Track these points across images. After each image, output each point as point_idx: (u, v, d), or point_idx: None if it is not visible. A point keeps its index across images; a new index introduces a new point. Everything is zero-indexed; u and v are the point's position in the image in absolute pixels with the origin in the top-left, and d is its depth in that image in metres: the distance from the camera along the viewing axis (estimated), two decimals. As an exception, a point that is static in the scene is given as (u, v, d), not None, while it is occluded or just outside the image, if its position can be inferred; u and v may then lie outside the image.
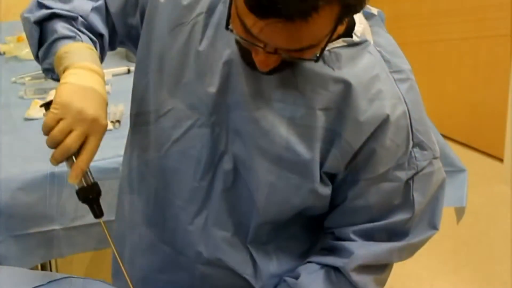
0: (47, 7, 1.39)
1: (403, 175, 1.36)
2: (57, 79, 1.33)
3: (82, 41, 1.35)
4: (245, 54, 1.26)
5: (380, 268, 1.47)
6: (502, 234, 3.11)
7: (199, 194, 1.41)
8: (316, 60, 1.21)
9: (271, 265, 1.47)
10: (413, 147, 1.35)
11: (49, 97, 2.26)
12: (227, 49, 1.33)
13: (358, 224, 1.41)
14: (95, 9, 1.42)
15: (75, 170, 1.23)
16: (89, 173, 1.26)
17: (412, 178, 1.37)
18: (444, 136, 2.16)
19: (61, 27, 1.36)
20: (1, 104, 2.26)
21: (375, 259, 1.43)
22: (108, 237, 1.31)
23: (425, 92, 4.08)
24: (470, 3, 3.47)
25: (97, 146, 1.24)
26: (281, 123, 1.32)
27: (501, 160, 3.52)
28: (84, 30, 1.38)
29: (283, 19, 1.10)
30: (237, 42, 1.26)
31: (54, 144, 1.22)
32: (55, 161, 1.23)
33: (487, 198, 3.33)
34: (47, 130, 1.22)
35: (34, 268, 1.98)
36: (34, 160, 1.94)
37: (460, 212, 2.13)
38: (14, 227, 1.89)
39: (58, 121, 1.21)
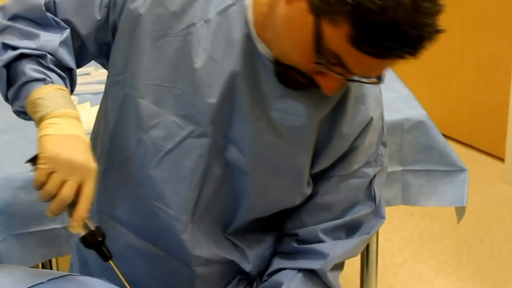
0: (13, 48, 1.33)
1: (370, 171, 1.45)
2: (30, 120, 1.32)
3: (52, 82, 1.30)
4: (284, 73, 1.29)
5: (343, 263, 1.53)
6: (503, 233, 3.11)
7: (191, 202, 1.42)
8: (379, 82, 1.26)
9: (255, 247, 1.53)
10: (380, 145, 1.45)
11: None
12: (229, 61, 1.33)
13: (325, 222, 1.47)
14: (62, 43, 1.35)
15: (76, 220, 1.22)
16: (89, 218, 1.25)
17: (376, 174, 1.46)
18: (446, 136, 2.16)
19: (29, 69, 1.31)
20: (2, 103, 2.26)
21: (346, 256, 1.50)
22: (121, 276, 1.32)
23: (427, 92, 4.06)
24: (471, 2, 3.47)
25: (92, 191, 1.23)
26: (281, 132, 1.37)
27: (502, 160, 3.51)
28: (54, 68, 1.33)
29: (400, 59, 1.16)
30: (277, 63, 1.29)
31: (49, 198, 1.21)
32: (53, 214, 1.22)
33: (488, 198, 3.32)
34: (39, 186, 1.21)
35: (35, 267, 1.98)
36: (35, 159, 1.94)
37: (460, 211, 2.13)
38: (15, 226, 1.89)
39: (49, 175, 1.20)
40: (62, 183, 1.20)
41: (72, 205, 1.22)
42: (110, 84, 1.43)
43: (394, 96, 2.16)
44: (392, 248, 3.00)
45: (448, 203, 2.12)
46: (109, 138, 1.45)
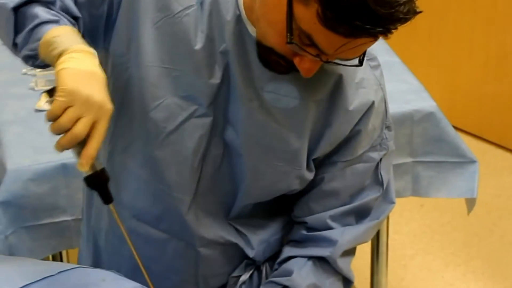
0: None
1: (376, 155, 1.46)
2: (40, 66, 1.29)
3: (66, 24, 1.27)
4: (266, 56, 1.29)
5: (354, 249, 1.53)
6: (513, 225, 3.11)
7: (194, 182, 1.43)
8: (360, 65, 1.26)
9: (259, 233, 1.54)
10: (385, 129, 1.46)
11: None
12: (222, 41, 1.35)
13: (333, 208, 1.47)
14: None
15: (85, 158, 1.19)
16: (97, 159, 1.23)
17: (382, 158, 1.47)
18: (456, 128, 2.16)
19: (41, 11, 1.27)
20: (12, 95, 2.27)
21: (356, 242, 1.50)
22: (119, 221, 1.31)
23: (436, 84, 4.05)
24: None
25: (105, 131, 1.20)
26: (274, 114, 1.38)
27: (512, 151, 3.51)
28: (64, 14, 1.30)
29: (372, 38, 1.16)
30: (259, 45, 1.29)
31: (61, 131, 1.18)
32: (62, 147, 1.19)
33: (498, 190, 3.32)
34: (53, 118, 1.18)
35: (45, 259, 1.98)
36: (45, 151, 1.94)
37: (471, 203, 2.13)
38: (25, 218, 1.90)
39: (65, 109, 1.17)
40: (77, 119, 1.17)
41: (82, 143, 1.20)
42: (112, 66, 1.42)
43: (404, 87, 2.16)
44: (402, 240, 3.00)
45: (458, 194, 2.12)
46: (114, 121, 1.44)
